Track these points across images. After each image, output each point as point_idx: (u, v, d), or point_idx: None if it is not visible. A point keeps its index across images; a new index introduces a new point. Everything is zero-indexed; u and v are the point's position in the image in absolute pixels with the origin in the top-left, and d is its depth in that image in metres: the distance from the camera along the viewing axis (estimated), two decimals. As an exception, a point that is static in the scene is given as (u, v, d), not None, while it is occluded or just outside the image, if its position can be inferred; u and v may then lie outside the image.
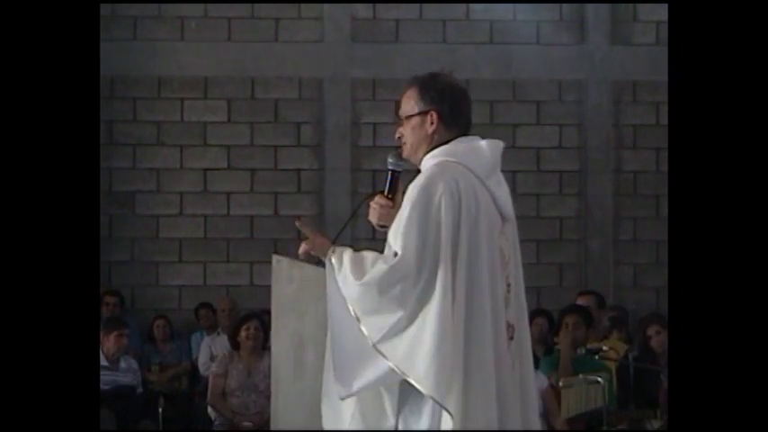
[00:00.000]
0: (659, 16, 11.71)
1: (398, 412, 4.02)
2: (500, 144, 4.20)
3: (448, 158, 4.09)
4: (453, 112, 4.16)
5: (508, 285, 4.12)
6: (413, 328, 3.90)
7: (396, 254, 3.95)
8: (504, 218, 4.15)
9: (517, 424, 4.03)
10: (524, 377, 4.16)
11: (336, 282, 4.03)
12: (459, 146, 4.14)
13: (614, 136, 12.02)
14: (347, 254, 4.06)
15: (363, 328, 3.95)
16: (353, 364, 3.99)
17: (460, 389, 3.89)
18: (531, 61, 11.94)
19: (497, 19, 11.94)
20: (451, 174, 4.02)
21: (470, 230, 3.98)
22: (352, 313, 3.97)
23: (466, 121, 4.20)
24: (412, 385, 3.92)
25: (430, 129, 4.15)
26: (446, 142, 4.14)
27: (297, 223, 4.32)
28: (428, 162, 4.13)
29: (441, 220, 3.94)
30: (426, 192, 3.97)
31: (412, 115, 4.17)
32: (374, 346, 3.93)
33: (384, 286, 3.91)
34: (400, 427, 4.00)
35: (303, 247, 4.20)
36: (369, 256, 4.03)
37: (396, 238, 3.97)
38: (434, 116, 4.14)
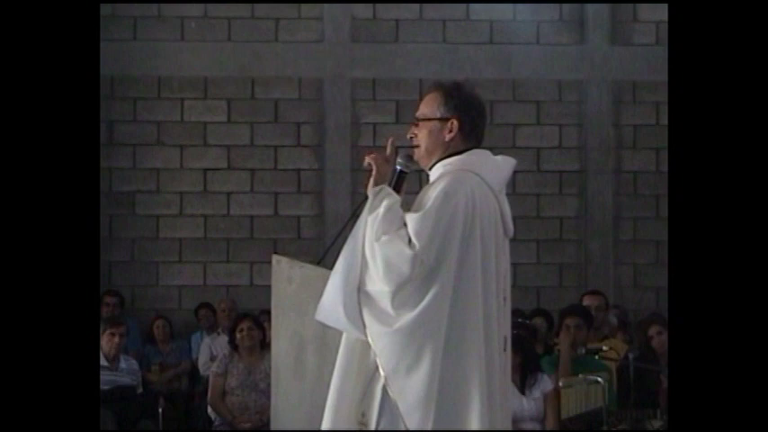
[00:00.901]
0: (659, 16, 11.72)
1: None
2: (513, 161, 4.26)
3: (464, 168, 4.10)
4: (473, 124, 4.18)
5: (504, 299, 4.16)
6: (401, 327, 3.93)
7: (410, 240, 3.95)
8: (506, 234, 4.18)
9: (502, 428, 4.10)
10: (506, 388, 4.24)
11: (367, 217, 4.05)
12: (474, 157, 4.16)
13: (614, 136, 12.02)
14: (387, 202, 4.04)
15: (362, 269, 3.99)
16: (347, 298, 4.00)
17: (473, 405, 3.94)
18: (531, 61, 11.94)
19: (497, 19, 11.94)
20: (470, 184, 4.04)
21: (484, 242, 4.01)
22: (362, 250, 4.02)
23: (481, 134, 4.23)
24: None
25: (448, 136, 4.16)
26: (459, 152, 4.15)
27: (390, 140, 4.28)
28: (441, 169, 4.13)
29: (452, 227, 3.97)
30: (446, 196, 3.99)
31: (431, 119, 4.18)
32: (365, 290, 3.97)
33: (388, 261, 3.94)
34: (383, 426, 4.00)
35: (372, 156, 4.21)
36: (398, 218, 4.01)
37: (410, 228, 3.98)
38: (455, 124, 4.15)
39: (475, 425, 3.93)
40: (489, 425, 3.95)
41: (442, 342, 3.94)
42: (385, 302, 3.95)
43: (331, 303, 4.03)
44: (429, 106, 4.20)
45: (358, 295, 3.99)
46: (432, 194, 4.01)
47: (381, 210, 4.02)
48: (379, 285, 3.96)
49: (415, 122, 4.23)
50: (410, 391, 3.92)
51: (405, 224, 3.99)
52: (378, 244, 3.97)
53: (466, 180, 4.05)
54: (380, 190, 4.11)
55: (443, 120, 4.16)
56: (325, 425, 4.08)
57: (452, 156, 4.15)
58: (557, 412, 7.48)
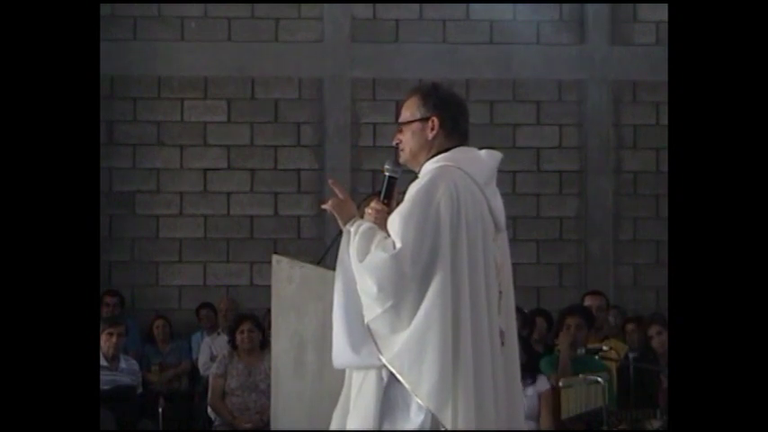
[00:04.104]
0: (659, 16, 11.72)
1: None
2: (498, 155, 4.26)
3: (448, 163, 4.11)
4: (453, 121, 4.22)
5: (500, 293, 4.16)
6: (412, 333, 3.93)
7: (394, 244, 3.99)
8: (497, 227, 4.19)
9: (504, 427, 4.07)
10: (512, 383, 4.21)
11: (347, 251, 4.10)
12: (458, 153, 4.19)
13: (614, 136, 12.02)
14: (363, 227, 4.10)
15: (363, 303, 4.02)
16: (353, 337, 4.02)
17: (459, 403, 3.93)
18: (531, 61, 11.94)
19: (497, 19, 11.94)
20: (452, 177, 4.06)
21: (469, 234, 4.01)
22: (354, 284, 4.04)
23: (464, 132, 4.26)
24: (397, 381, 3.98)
25: (430, 134, 4.19)
26: (445, 150, 4.17)
27: (330, 182, 4.38)
28: (429, 167, 4.15)
29: (439, 220, 3.99)
30: (427, 192, 4.02)
31: (413, 121, 4.22)
32: (367, 324, 4.00)
33: (379, 274, 3.97)
34: (386, 427, 4.00)
35: (329, 204, 4.23)
36: (377, 236, 4.06)
37: (394, 232, 4.00)
38: (435, 122, 4.19)
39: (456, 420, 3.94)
40: (477, 421, 3.94)
41: (449, 332, 3.94)
42: (392, 320, 3.96)
43: (340, 350, 4.07)
44: (409, 109, 4.26)
45: (365, 329, 4.01)
46: (413, 191, 4.04)
47: (358, 235, 4.07)
48: (379, 308, 3.97)
49: (399, 128, 4.27)
50: (427, 377, 3.92)
51: (387, 235, 4.03)
52: (362, 264, 4.01)
53: (447, 174, 4.08)
54: (352, 224, 4.15)
55: (424, 119, 4.20)
56: None
57: (438, 155, 4.17)
58: (553, 412, 7.48)
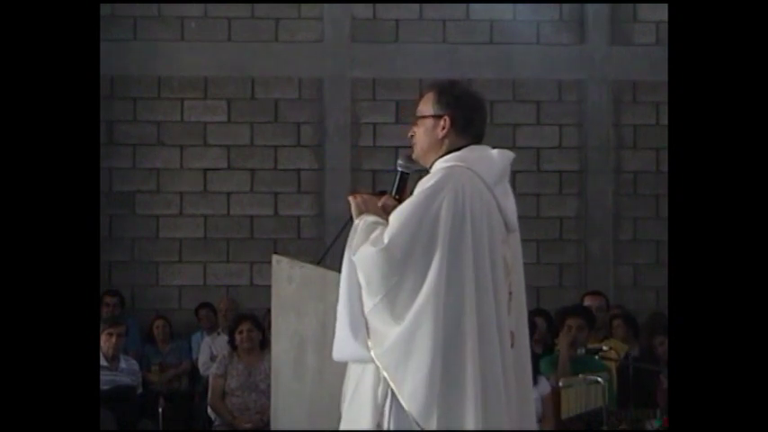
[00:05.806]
0: (659, 16, 11.72)
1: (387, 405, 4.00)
2: (510, 154, 4.24)
3: (458, 163, 4.10)
4: (466, 120, 4.19)
5: (510, 293, 4.13)
6: (402, 330, 3.91)
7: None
8: (508, 228, 4.17)
9: (515, 428, 4.05)
10: (523, 385, 4.18)
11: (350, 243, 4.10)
12: (469, 153, 4.16)
13: (614, 136, 12.02)
14: (368, 222, 4.10)
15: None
16: (355, 325, 4.01)
17: (466, 403, 3.89)
18: (531, 61, 11.94)
19: (497, 19, 11.94)
20: (459, 178, 4.04)
21: (475, 234, 3.99)
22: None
23: (478, 131, 4.23)
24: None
25: (440, 133, 4.17)
26: (457, 149, 4.16)
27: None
28: (439, 166, 4.14)
29: (439, 220, 3.95)
30: (432, 192, 4.00)
31: (426, 116, 4.20)
32: (365, 315, 3.97)
33: (366, 268, 3.96)
34: (392, 426, 3.98)
35: (356, 195, 4.24)
36: (376, 231, 4.05)
37: (389, 228, 4.00)
38: (447, 121, 4.16)
39: (469, 422, 3.90)
40: (483, 422, 3.91)
41: (441, 333, 3.90)
42: (384, 315, 3.93)
43: (343, 339, 4.03)
44: (425, 104, 4.24)
45: (365, 319, 3.99)
46: (418, 190, 4.03)
47: (358, 231, 4.07)
48: (371, 301, 3.96)
49: (414, 121, 4.26)
50: (411, 378, 3.88)
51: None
52: (354, 258, 4.00)
53: (456, 175, 4.05)
54: (360, 219, 4.14)
55: (437, 117, 4.18)
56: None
57: (450, 153, 4.16)
58: (555, 413, 7.49)
